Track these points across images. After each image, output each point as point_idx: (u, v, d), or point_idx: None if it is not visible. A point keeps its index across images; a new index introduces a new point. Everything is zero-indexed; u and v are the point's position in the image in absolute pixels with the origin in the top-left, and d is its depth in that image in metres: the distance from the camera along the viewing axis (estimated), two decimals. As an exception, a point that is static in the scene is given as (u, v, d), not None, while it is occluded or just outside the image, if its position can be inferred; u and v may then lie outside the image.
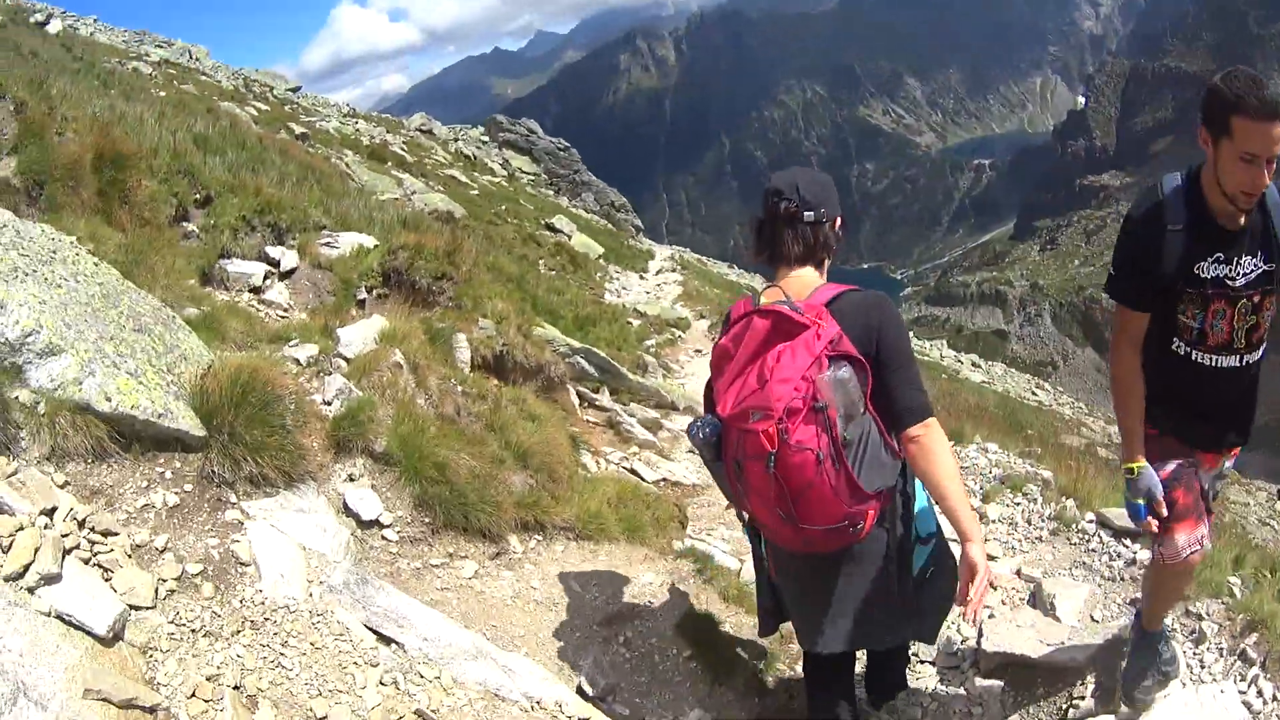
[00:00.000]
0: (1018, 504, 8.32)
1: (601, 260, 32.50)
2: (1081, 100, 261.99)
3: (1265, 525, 38.68)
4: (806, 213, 3.61)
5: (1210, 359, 3.76)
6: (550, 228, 32.84)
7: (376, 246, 8.65)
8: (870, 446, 3.41)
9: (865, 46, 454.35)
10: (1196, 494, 3.91)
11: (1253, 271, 3.60)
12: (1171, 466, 3.88)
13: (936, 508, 3.87)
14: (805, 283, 3.64)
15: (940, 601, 4.15)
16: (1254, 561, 6.42)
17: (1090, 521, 7.58)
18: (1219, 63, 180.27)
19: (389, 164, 30.21)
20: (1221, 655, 5.23)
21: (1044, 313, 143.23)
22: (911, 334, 70.80)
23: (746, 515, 3.81)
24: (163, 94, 19.46)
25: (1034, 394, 57.49)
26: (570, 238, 32.54)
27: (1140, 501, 3.79)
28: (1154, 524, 3.76)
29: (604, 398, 10.78)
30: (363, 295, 8.06)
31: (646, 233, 65.42)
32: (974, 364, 63.29)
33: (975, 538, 3.47)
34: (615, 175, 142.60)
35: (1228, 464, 4.21)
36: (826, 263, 3.78)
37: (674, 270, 38.14)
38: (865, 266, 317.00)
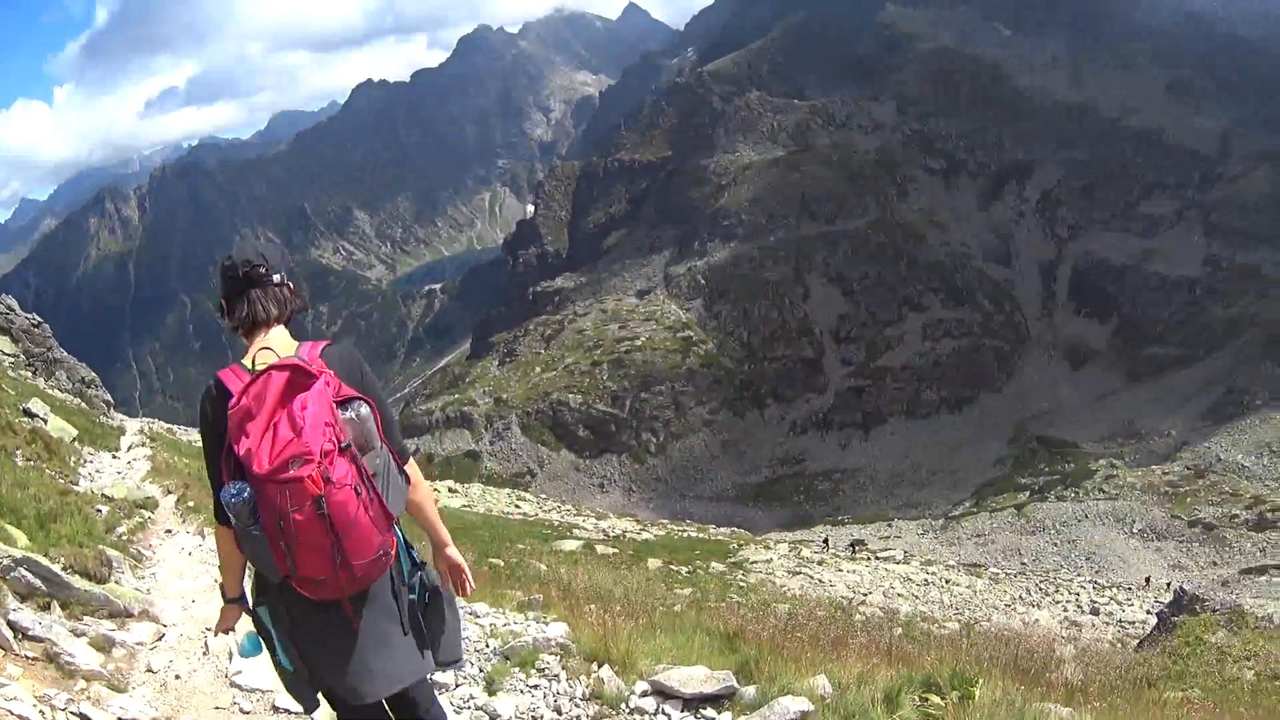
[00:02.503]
0: (535, 686, 7.62)
1: (76, 443, 30.48)
2: (531, 209, 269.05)
3: (797, 575, 41.86)
4: (274, 275, 4.33)
5: None
6: (28, 413, 30.25)
7: None
8: (391, 475, 4.09)
9: (317, 185, 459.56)
10: None
11: None
12: None
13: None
14: (286, 341, 4.30)
15: (449, 620, 4.69)
16: (913, 685, 6.73)
17: (645, 693, 7.08)
18: (675, 148, 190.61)
19: (-115, 349, 27.27)
20: None
21: (512, 425, 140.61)
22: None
23: (281, 579, 4.05)
24: None
25: (517, 507, 61.34)
26: (46, 422, 30.26)
27: None
28: None
29: (42, 622, 8.95)
30: None
31: (120, 407, 67.58)
32: (451, 489, 64.81)
33: (450, 542, 4.66)
34: (89, 348, 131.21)
35: None
36: (293, 320, 4.44)
37: (144, 444, 37.54)
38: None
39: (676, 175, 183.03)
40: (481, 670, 8.00)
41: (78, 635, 9.38)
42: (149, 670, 9.25)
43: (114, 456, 32.46)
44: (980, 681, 6.89)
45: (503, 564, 27.30)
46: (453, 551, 4.63)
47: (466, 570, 4.68)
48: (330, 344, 4.27)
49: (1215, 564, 74.27)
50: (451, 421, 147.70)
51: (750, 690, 6.87)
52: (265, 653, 4.51)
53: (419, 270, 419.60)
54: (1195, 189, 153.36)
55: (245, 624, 4.59)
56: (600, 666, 7.48)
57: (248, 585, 4.60)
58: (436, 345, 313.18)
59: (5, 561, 9.83)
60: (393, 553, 4.13)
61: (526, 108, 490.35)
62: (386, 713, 4.68)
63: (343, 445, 3.78)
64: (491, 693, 7.44)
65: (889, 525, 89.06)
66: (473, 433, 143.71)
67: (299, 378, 3.84)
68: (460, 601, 9.01)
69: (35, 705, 7.03)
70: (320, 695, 4.58)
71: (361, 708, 4.46)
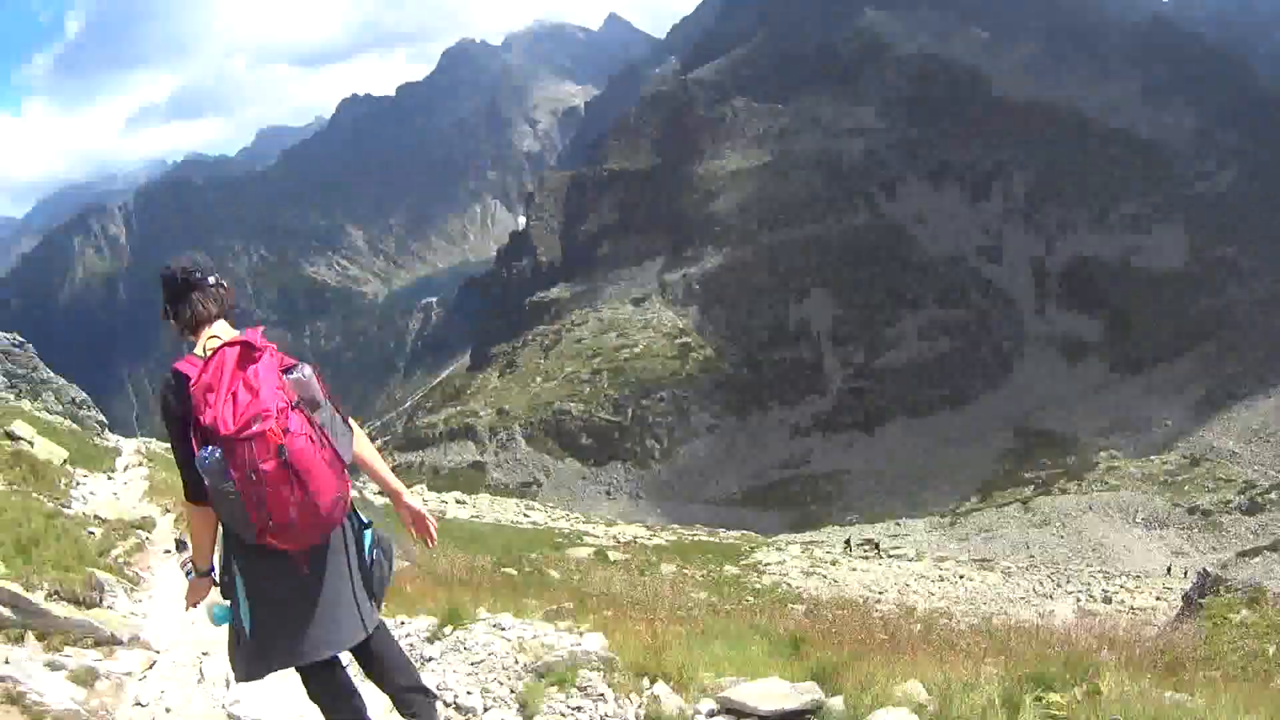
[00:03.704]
0: (579, 708, 6.70)
1: (68, 465, 29.90)
2: (522, 220, 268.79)
3: (811, 575, 41.23)
4: (209, 277, 4.95)
5: None
6: (10, 435, 29.60)
7: None
8: (338, 426, 4.65)
9: (307, 201, 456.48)
10: None
11: None
12: None
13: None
14: (228, 330, 4.87)
15: (384, 584, 5.11)
16: (1026, 684, 6.04)
17: (713, 713, 6.25)
18: (662, 155, 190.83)
19: None
20: None
21: (515, 435, 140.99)
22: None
23: (254, 537, 4.42)
24: None
25: (526, 516, 60.72)
26: (32, 444, 29.44)
27: None
28: None
29: (9, 658, 8.16)
30: None
31: (117, 427, 68.11)
32: (458, 500, 64.88)
33: (405, 489, 5.09)
34: (80, 369, 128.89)
35: None
36: (229, 314, 5.01)
37: (141, 464, 36.82)
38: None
39: (665, 183, 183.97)
40: (513, 691, 7.32)
41: (54, 669, 8.81)
42: (137, 704, 8.65)
43: (109, 477, 32.50)
44: (1106, 673, 6.41)
45: (517, 573, 27.45)
46: (410, 498, 5.05)
47: (428, 516, 5.08)
48: (261, 328, 4.72)
49: (1214, 549, 75.81)
50: (455, 434, 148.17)
51: (837, 702, 6.16)
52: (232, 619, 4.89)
53: (414, 284, 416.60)
54: (1173, 186, 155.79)
55: (214, 599, 4.94)
56: (653, 682, 6.88)
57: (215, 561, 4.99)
58: (436, 358, 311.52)
59: (-28, 592, 9.03)
60: (349, 498, 4.63)
61: (514, 119, 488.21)
62: (338, 669, 5.14)
63: (294, 403, 4.33)
64: (528, 717, 6.83)
65: (898, 524, 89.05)
66: (477, 444, 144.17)
67: (248, 351, 4.39)
68: (483, 612, 9.35)
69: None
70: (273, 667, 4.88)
71: (318, 667, 4.96)
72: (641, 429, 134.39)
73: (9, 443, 28.64)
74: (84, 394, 59.43)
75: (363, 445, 4.94)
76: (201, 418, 4.28)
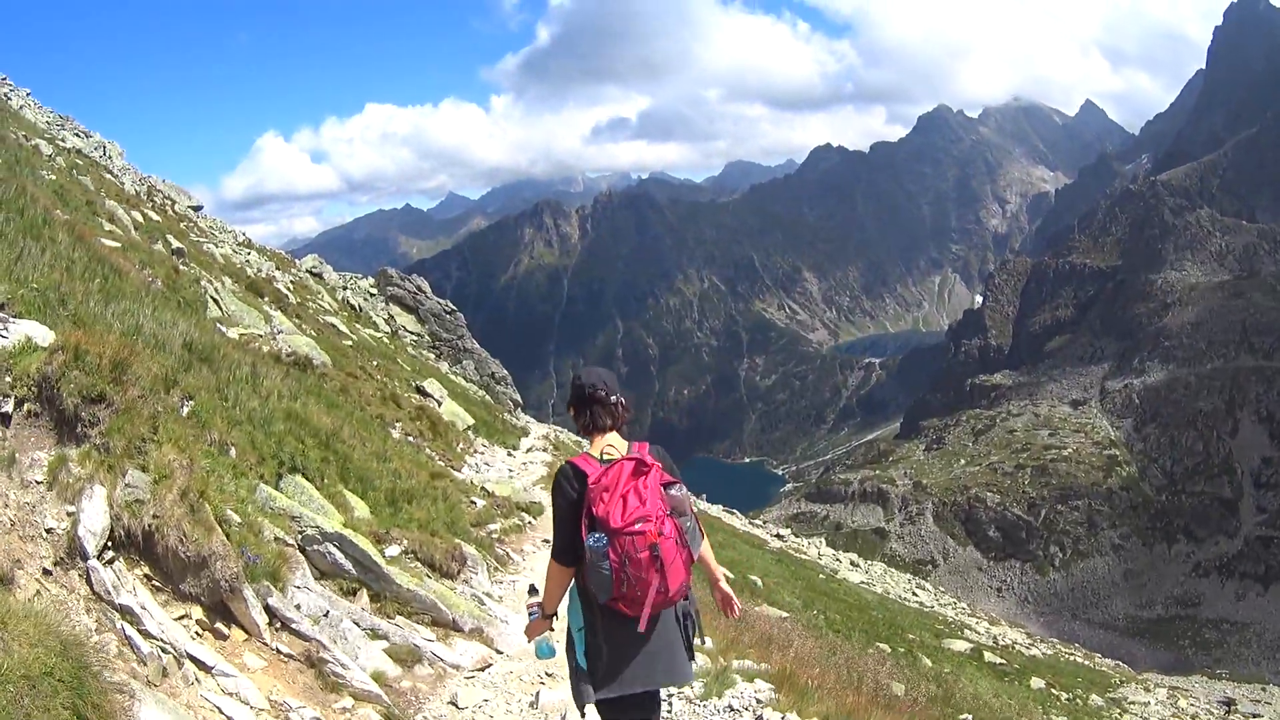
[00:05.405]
0: None
1: (469, 432, 32.44)
2: (979, 299, 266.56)
3: None
4: (612, 397, 5.83)
5: None
6: (420, 391, 33.02)
7: (49, 346, 6.82)
8: (695, 534, 5.50)
9: (768, 240, 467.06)
10: None
11: None
12: None
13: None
14: (620, 441, 5.79)
15: (691, 640, 5.86)
16: None
17: None
18: (1125, 257, 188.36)
19: (266, 298, 30.54)
20: None
21: (926, 511, 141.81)
22: (789, 531, 79.52)
23: (607, 599, 5.39)
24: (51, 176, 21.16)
25: (914, 594, 59.98)
26: (440, 404, 32.53)
27: None
28: None
29: (324, 614, 8.05)
30: (8, 408, 6.38)
31: (532, 410, 69.86)
32: (853, 563, 65.33)
33: (722, 577, 6.10)
34: (508, 348, 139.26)
35: None
36: (622, 427, 5.92)
37: (545, 450, 38.03)
38: (747, 461, 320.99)
39: (1124, 287, 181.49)
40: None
41: (375, 636, 8.75)
42: (452, 704, 8.43)
43: (509, 454, 33.36)
44: None
45: (888, 649, 28.01)
46: (724, 585, 6.10)
47: (734, 600, 6.06)
48: (650, 445, 5.67)
49: None
50: (866, 496, 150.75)
51: None
52: (556, 656, 5.98)
53: (860, 341, 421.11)
54: None
55: (546, 636, 5.88)
56: None
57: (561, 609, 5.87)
58: (867, 419, 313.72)
59: (311, 531, 9.16)
60: (689, 585, 5.56)
61: (983, 196, 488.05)
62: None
63: (669, 512, 5.26)
64: None
65: (1263, 689, 78.20)
66: (885, 511, 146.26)
67: (640, 466, 5.33)
68: None
69: (259, 713, 6.37)
70: (590, 705, 5.71)
71: (627, 703, 5.74)
72: (1049, 534, 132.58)
73: (417, 396, 31.16)
74: (504, 370, 62.33)
75: (705, 547, 5.87)
76: (595, 509, 5.24)
